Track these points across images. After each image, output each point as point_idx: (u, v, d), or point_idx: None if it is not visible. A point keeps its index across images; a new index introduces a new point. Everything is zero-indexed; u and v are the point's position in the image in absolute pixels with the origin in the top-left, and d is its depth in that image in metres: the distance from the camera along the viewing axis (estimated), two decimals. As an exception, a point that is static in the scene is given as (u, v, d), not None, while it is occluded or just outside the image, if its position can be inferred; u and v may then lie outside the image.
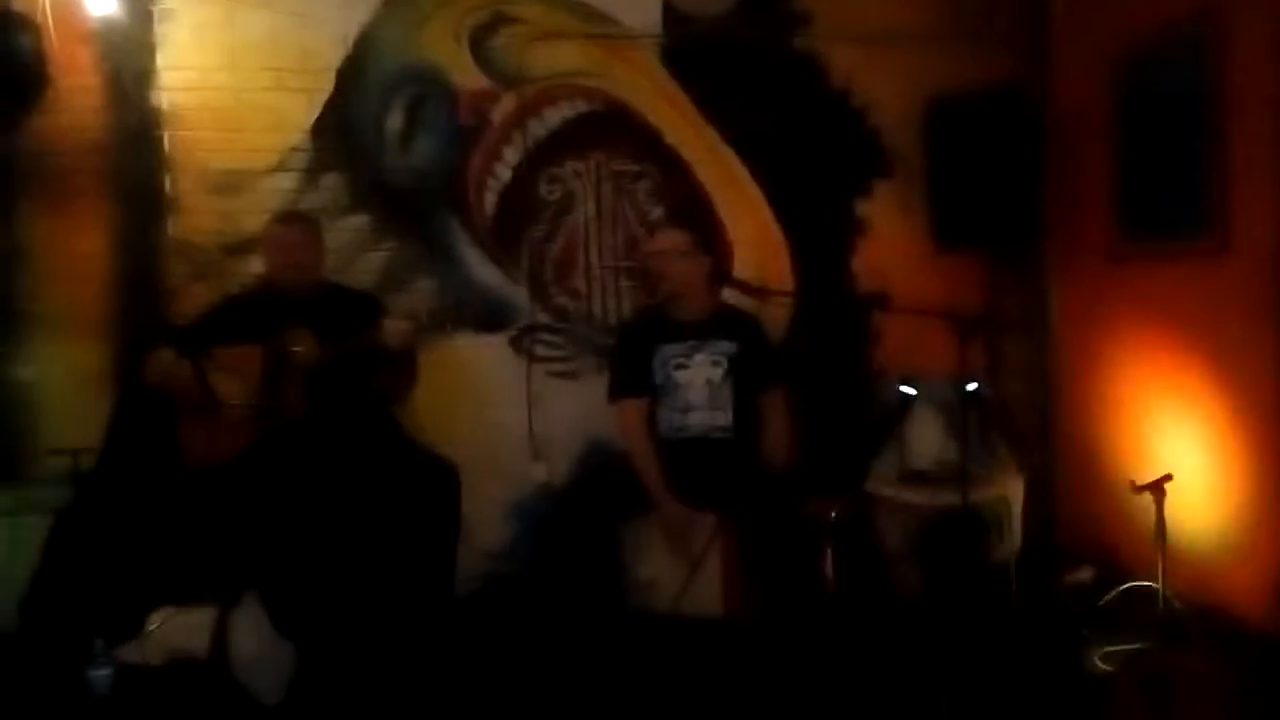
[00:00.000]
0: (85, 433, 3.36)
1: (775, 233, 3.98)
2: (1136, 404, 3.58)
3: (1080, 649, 3.03)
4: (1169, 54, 3.33)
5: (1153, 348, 3.51)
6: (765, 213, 3.97)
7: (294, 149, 3.74)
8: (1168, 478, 3.10)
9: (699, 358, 3.34)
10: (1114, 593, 3.26)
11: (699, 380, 3.33)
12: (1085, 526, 3.82)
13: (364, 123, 3.79)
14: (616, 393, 3.40)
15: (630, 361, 3.39)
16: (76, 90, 3.60)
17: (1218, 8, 3.10)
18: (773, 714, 2.74)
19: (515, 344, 3.88)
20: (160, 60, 3.67)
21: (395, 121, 3.80)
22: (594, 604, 3.14)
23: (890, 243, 4.01)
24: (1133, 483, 3.17)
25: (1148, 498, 3.11)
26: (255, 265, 3.54)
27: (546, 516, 3.78)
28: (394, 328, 3.07)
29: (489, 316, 3.78)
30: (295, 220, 3.39)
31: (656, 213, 3.91)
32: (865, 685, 2.87)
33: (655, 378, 3.34)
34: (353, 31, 3.75)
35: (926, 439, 3.50)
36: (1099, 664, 2.98)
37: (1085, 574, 3.45)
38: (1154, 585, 3.08)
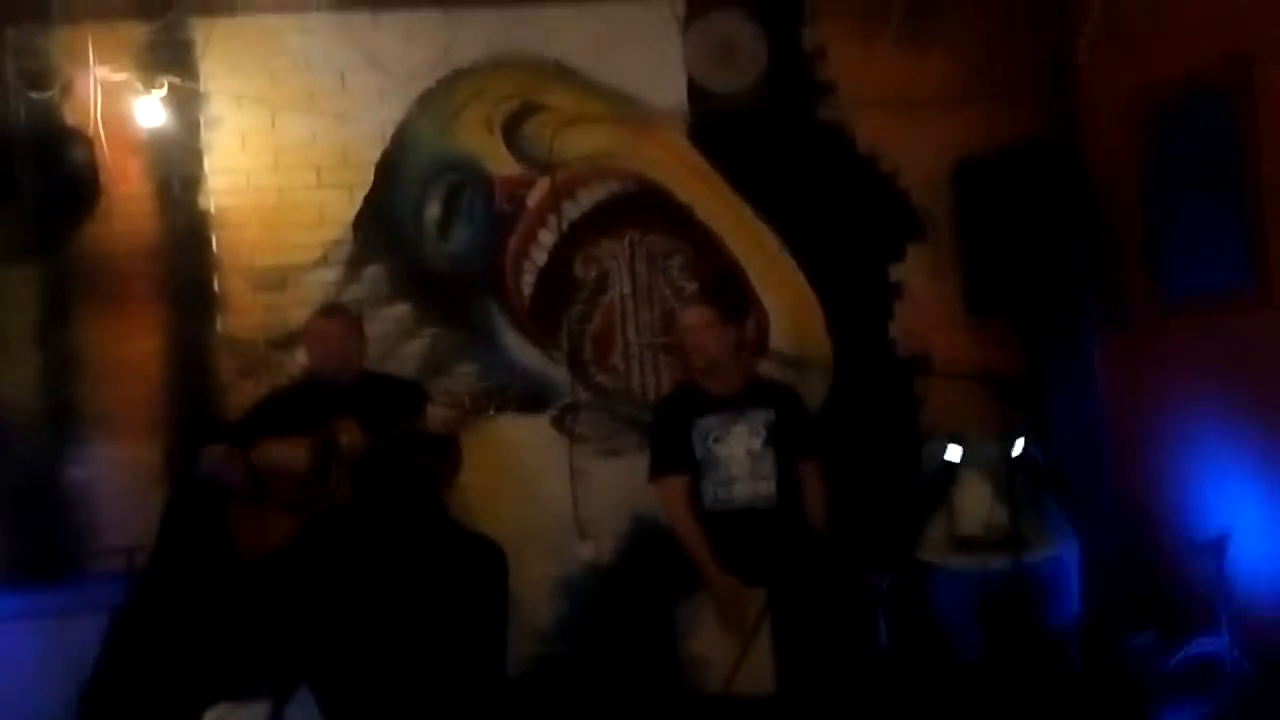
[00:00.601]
0: (139, 531, 3.43)
1: (810, 301, 3.99)
2: (1190, 460, 3.51)
3: (1147, 715, 2.95)
4: (1197, 103, 3.33)
5: (1206, 401, 3.45)
6: (800, 282, 3.99)
7: (336, 242, 3.85)
8: (1227, 535, 3.02)
9: (738, 429, 3.34)
10: (1178, 655, 3.16)
11: (739, 452, 3.33)
12: (1147, 587, 3.72)
13: (403, 214, 3.89)
14: (658, 470, 3.40)
15: (669, 437, 3.40)
16: (129, 198, 3.74)
17: (1243, 56, 3.10)
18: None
19: (557, 424, 3.92)
20: (208, 165, 3.81)
21: (433, 211, 3.90)
22: (647, 683, 3.11)
23: (927, 306, 4.01)
24: (1193, 541, 3.09)
25: (1209, 556, 3.04)
26: (301, 358, 3.63)
27: (596, 596, 3.76)
28: (438, 414, 3.12)
29: (531, 397, 3.81)
30: (335, 313, 3.47)
31: (691, 288, 3.95)
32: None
33: (696, 452, 3.35)
34: (390, 128, 3.87)
35: (975, 503, 3.45)
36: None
37: (1148, 636, 3.35)
38: (1218, 646, 2.99)
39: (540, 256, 3.93)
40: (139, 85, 3.67)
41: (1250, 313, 3.17)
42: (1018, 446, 3.43)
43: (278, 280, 3.82)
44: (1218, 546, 3.03)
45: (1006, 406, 3.40)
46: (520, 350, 3.92)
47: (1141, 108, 3.61)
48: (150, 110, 3.68)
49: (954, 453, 3.56)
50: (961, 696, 3.18)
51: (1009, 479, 3.35)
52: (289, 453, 3.14)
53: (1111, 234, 3.82)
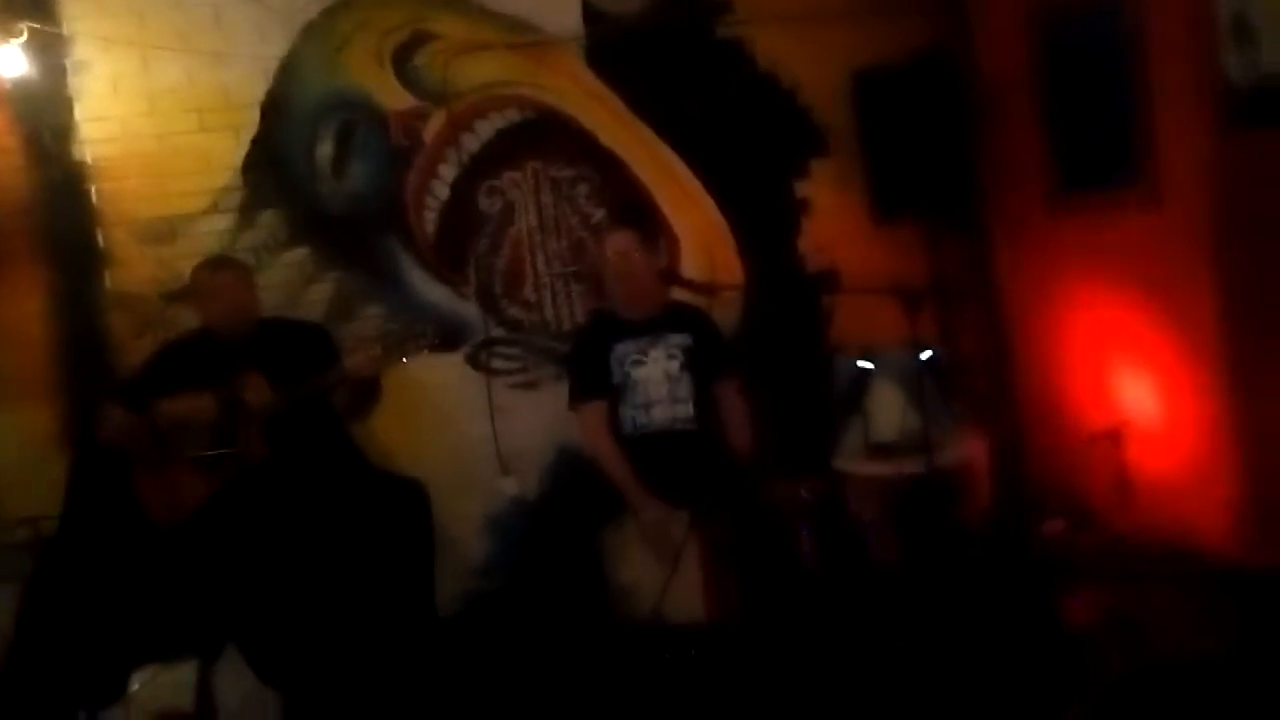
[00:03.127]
0: (43, 499, 3.31)
1: (719, 223, 3.98)
2: (1089, 355, 3.64)
3: (1057, 599, 3.09)
4: (1089, 8, 3.37)
5: (1099, 299, 3.56)
6: (707, 204, 3.98)
7: (225, 189, 3.70)
8: (1123, 425, 3.15)
9: (655, 353, 3.35)
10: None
11: (657, 375, 3.34)
12: (1053, 479, 3.88)
13: (294, 155, 3.75)
14: (577, 397, 3.41)
15: (587, 365, 3.39)
16: (-6, 153, 3.54)
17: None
18: (768, 707, 2.76)
19: (472, 360, 3.87)
20: (78, 113, 3.61)
21: (326, 150, 3.77)
22: (578, 614, 3.15)
23: (833, 220, 4.03)
24: (1091, 433, 3.22)
25: (1109, 446, 3.17)
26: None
27: (523, 530, 3.77)
28: (359, 359, 3.05)
29: (443, 336, 3.74)
30: (223, 265, 3.36)
31: (598, 215, 3.91)
32: (853, 659, 2.90)
33: (614, 377, 3.35)
34: (272, 64, 3.71)
35: (888, 411, 3.52)
36: (1075, 612, 3.04)
37: (1057, 526, 3.50)
38: (1120, 530, 3.14)
39: (441, 191, 3.84)
40: (-4, 36, 3.44)
41: (1141, 211, 3.26)
42: (925, 354, 3.51)
43: (166, 231, 3.67)
44: (1115, 435, 3.15)
45: (913, 315, 3.45)
46: (428, 288, 3.85)
47: (1035, 13, 3.64)
48: (11, 59, 3.45)
49: (865, 364, 3.62)
50: (883, 598, 3.29)
51: (919, 385, 3.44)
52: (192, 409, 3.04)
53: (1008, 140, 3.88)
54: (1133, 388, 3.39)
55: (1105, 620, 2.96)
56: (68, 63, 3.60)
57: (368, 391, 3.21)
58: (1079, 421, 3.54)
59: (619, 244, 3.41)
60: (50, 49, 3.55)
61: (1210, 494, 3.15)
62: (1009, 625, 3.00)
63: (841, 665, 2.89)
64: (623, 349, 3.35)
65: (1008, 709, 2.59)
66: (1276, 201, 2.81)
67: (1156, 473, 3.28)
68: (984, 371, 4.05)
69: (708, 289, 3.68)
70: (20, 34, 3.44)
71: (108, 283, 3.64)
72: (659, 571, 3.12)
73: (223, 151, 3.71)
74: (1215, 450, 3.12)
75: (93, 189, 3.63)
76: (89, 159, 3.62)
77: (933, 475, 3.30)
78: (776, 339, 3.97)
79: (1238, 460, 3.05)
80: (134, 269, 3.65)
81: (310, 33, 3.74)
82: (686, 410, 3.34)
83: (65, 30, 3.58)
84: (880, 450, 3.49)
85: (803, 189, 4.05)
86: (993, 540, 3.38)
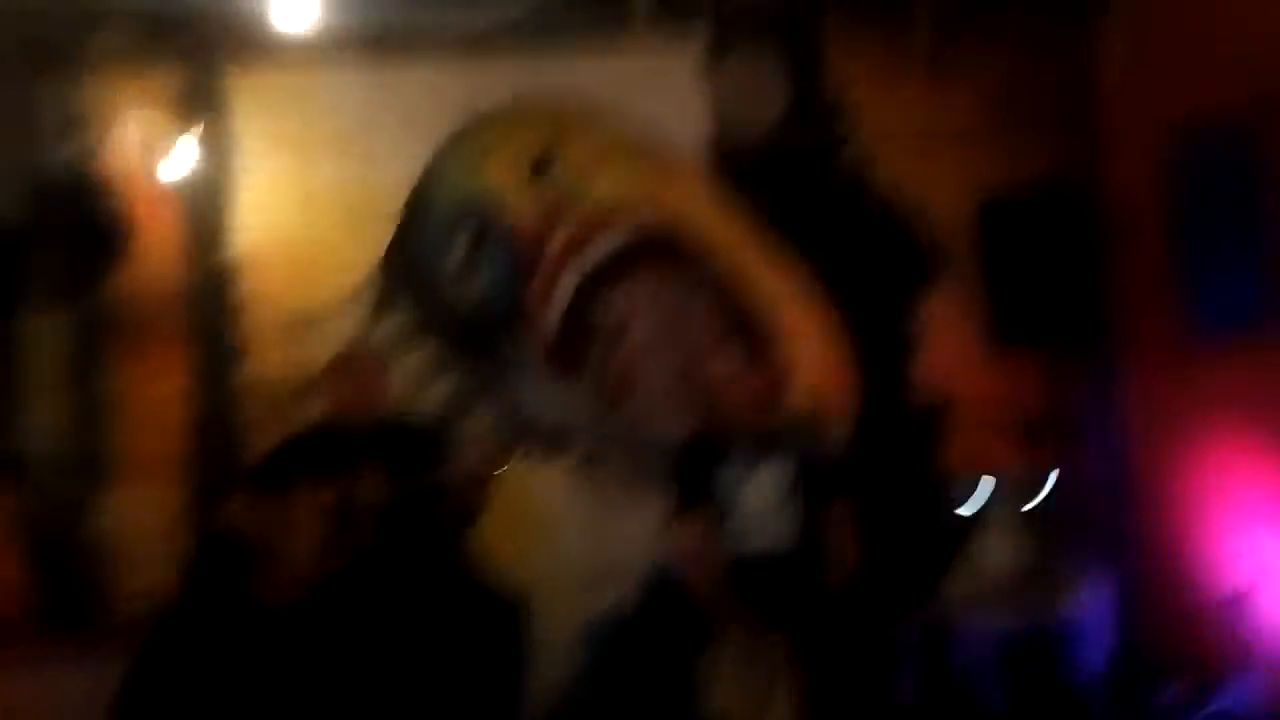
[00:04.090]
0: (165, 576, 3.46)
1: (833, 344, 3.96)
2: (1220, 505, 3.45)
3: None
4: (1221, 139, 3.30)
5: (1233, 445, 3.39)
6: (822, 324, 3.97)
7: (360, 288, 3.88)
8: (1256, 583, 2.97)
9: (760, 476, 3.33)
10: (1206, 710, 3.10)
11: (760, 499, 3.31)
12: (1175, 638, 3.65)
13: (427, 258, 3.92)
14: (678, 514, 3.39)
15: (691, 483, 3.39)
16: (157, 244, 3.79)
17: (1269, 95, 3.06)
18: None
19: (580, 468, 3.91)
20: (236, 210, 3.86)
21: (456, 255, 3.91)
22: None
23: (951, 344, 3.96)
24: (1219, 589, 3.04)
25: (1236, 609, 2.98)
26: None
27: (618, 643, 3.74)
28: (464, 461, 3.12)
29: (553, 440, 3.81)
30: (356, 356, 3.50)
31: (713, 330, 3.94)
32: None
33: (717, 499, 3.33)
34: (415, 172, 3.91)
35: (1000, 550, 3.41)
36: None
37: (1180, 688, 3.29)
38: (1246, 700, 2.94)
39: (562, 300, 3.93)
40: (170, 131, 3.72)
41: (1276, 347, 3.12)
42: (1044, 489, 3.40)
43: (303, 324, 3.84)
44: (1246, 597, 2.97)
45: (1034, 447, 3.36)
46: (543, 394, 3.93)
47: (1166, 142, 3.57)
48: (182, 157, 3.73)
49: (979, 497, 3.52)
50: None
51: (1034, 525, 3.32)
52: (310, 500, 3.15)
53: (1136, 270, 3.78)
54: (1267, 543, 3.19)
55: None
56: (234, 159, 3.86)
57: (474, 497, 3.26)
58: (1206, 577, 3.34)
59: (718, 369, 3.40)
60: (218, 149, 3.82)
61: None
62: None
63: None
64: (727, 471, 3.34)
65: None
66: None
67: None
68: (1106, 514, 3.87)
69: (818, 408, 3.64)
70: (192, 133, 3.71)
71: (244, 373, 3.84)
72: (753, 697, 3.05)
73: (361, 252, 3.90)
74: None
75: (241, 281, 3.85)
76: (239, 254, 3.85)
77: (1045, 623, 3.16)
78: (888, 467, 3.89)
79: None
80: (270, 361, 3.84)
81: (452, 144, 3.94)
82: (790, 536, 3.29)
83: (232, 132, 3.85)
84: (991, 593, 3.36)
85: (922, 313, 4.00)
86: (1107, 701, 3.20)
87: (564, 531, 3.88)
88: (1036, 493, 3.36)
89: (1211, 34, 3.35)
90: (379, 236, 3.91)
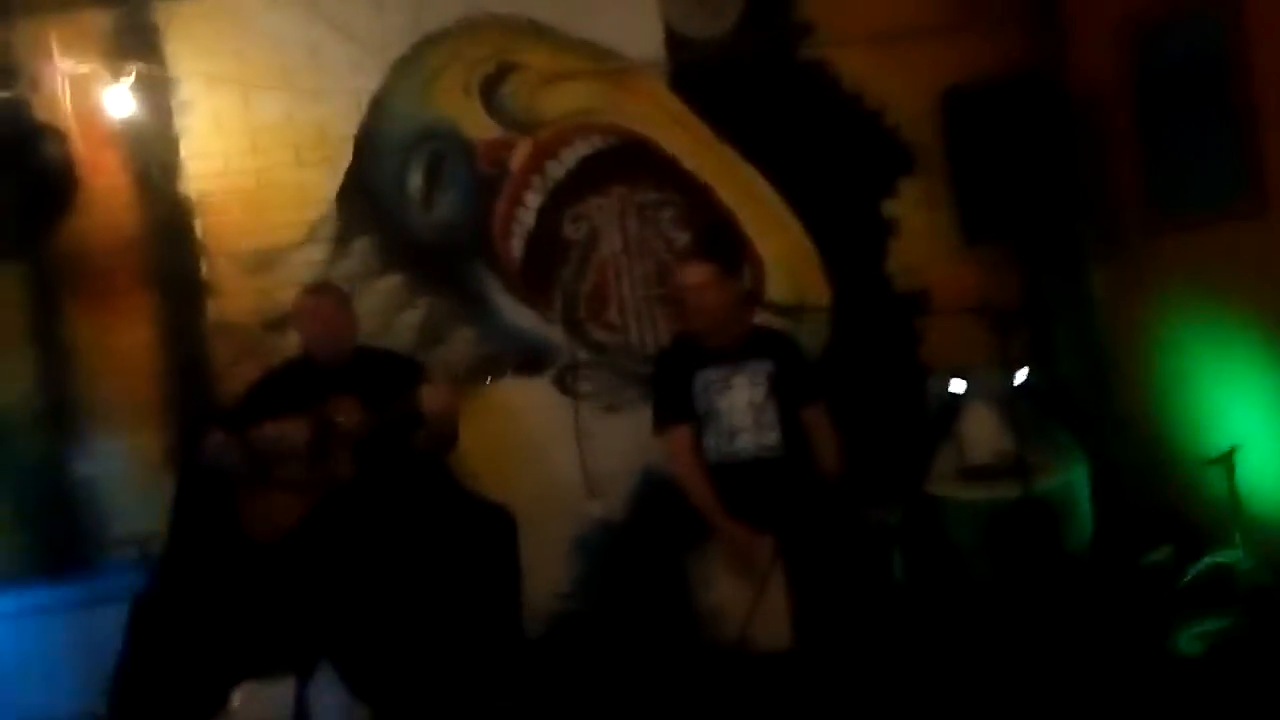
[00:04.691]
0: (149, 519, 3.44)
1: (805, 244, 3.95)
2: (1195, 375, 3.49)
3: (1166, 632, 2.96)
4: (1185, 21, 3.27)
5: (1203, 317, 3.42)
6: (793, 226, 3.95)
7: (321, 220, 3.82)
8: (1235, 448, 3.01)
9: (738, 380, 3.32)
10: (1193, 571, 3.16)
11: (741, 403, 3.31)
12: (1160, 504, 3.72)
13: (386, 186, 3.85)
14: (660, 423, 3.40)
15: (670, 391, 3.38)
16: (106, 190, 3.71)
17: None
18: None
19: (558, 384, 3.90)
20: (184, 151, 3.77)
21: (416, 180, 3.86)
22: (663, 638, 3.13)
23: (922, 240, 3.96)
24: (1202, 458, 3.08)
25: (1220, 470, 3.03)
26: (295, 339, 3.59)
27: (609, 553, 3.77)
28: (432, 393, 3.09)
29: (528, 360, 3.79)
30: (323, 290, 3.45)
31: (683, 239, 3.91)
32: (944, 683, 2.82)
33: (697, 405, 3.34)
34: (365, 99, 3.82)
35: (981, 433, 3.44)
36: (1186, 646, 2.91)
37: (1163, 553, 3.35)
38: (1232, 559, 2.99)
39: (528, 218, 3.89)
40: (107, 75, 3.61)
41: (1245, 224, 3.13)
42: (1021, 374, 3.42)
43: (265, 262, 3.79)
44: (1226, 460, 3.01)
45: (1007, 335, 3.37)
46: (515, 313, 3.90)
47: (1129, 25, 3.54)
48: (120, 99, 3.62)
49: (957, 385, 3.54)
50: (979, 624, 3.19)
51: (1014, 407, 3.35)
52: (287, 433, 3.13)
53: (1104, 156, 3.77)
54: (1245, 408, 3.24)
55: (1214, 651, 2.83)
56: (173, 103, 3.76)
57: (446, 429, 3.24)
58: (1189, 444, 3.39)
59: (692, 277, 3.38)
60: (157, 90, 3.72)
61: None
62: (1114, 654, 2.89)
63: (934, 690, 2.81)
64: (705, 376, 3.34)
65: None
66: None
67: (1269, 496, 3.12)
68: (1086, 393, 3.92)
69: (793, 312, 3.64)
70: (129, 75, 3.61)
71: (210, 313, 3.78)
72: (744, 596, 3.08)
73: (319, 185, 3.82)
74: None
75: (197, 223, 3.78)
76: (193, 194, 3.78)
77: (1032, 500, 3.20)
78: (866, 362, 3.90)
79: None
80: (235, 299, 3.79)
81: (401, 68, 3.84)
82: (772, 437, 3.30)
83: (171, 72, 3.74)
84: (974, 473, 3.40)
85: (890, 209, 3.98)
86: (1096, 567, 3.26)
87: (548, 448, 3.87)
88: (1012, 378, 3.36)
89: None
90: (333, 170, 3.83)
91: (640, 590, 3.19)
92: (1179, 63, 3.33)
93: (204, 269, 3.79)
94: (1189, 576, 3.14)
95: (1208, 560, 3.11)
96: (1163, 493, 3.68)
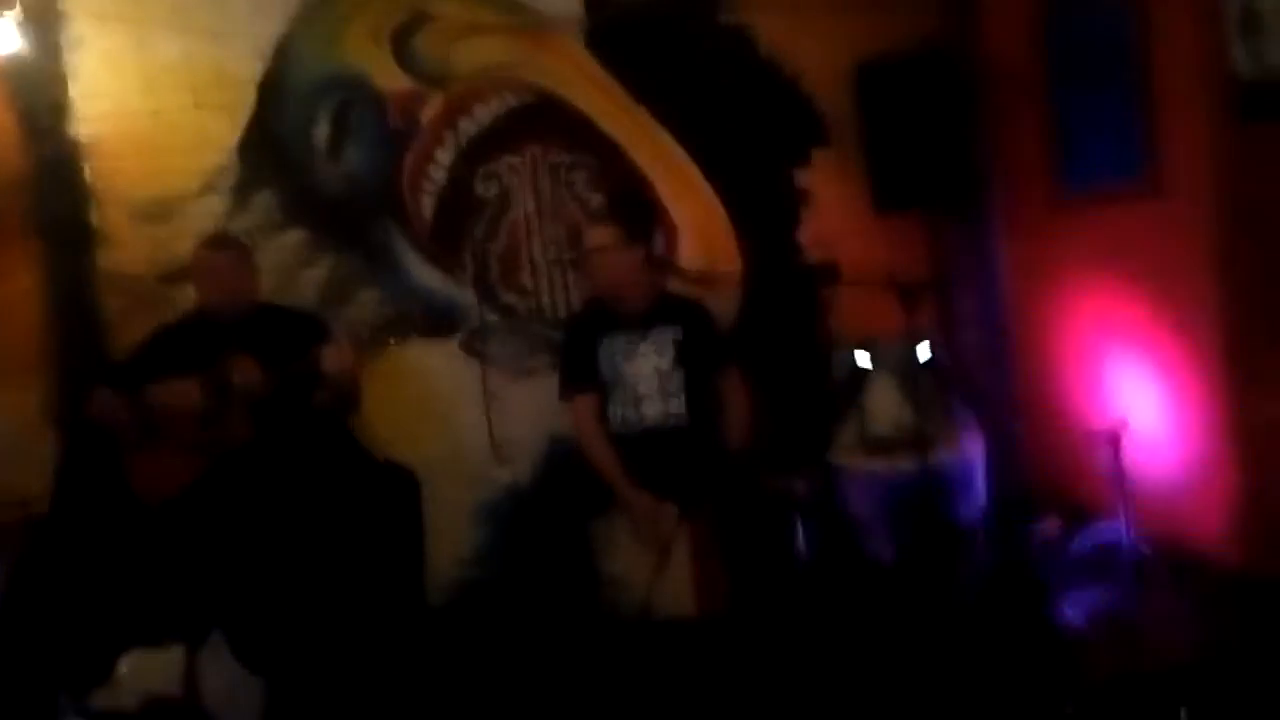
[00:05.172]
0: (32, 479, 3.30)
1: (718, 211, 3.94)
2: (1089, 351, 3.60)
3: (1051, 600, 3.07)
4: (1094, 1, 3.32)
5: (1100, 294, 3.53)
6: (706, 192, 3.93)
7: (220, 168, 3.66)
8: (1123, 423, 3.12)
9: (645, 347, 3.31)
10: (1080, 543, 3.29)
11: (647, 370, 3.30)
12: (1051, 478, 3.85)
13: (290, 136, 3.70)
14: (566, 389, 3.38)
15: (576, 357, 3.37)
16: (-11, 129, 3.51)
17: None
18: (757, 700, 2.74)
19: (467, 346, 3.83)
20: (73, 91, 3.56)
21: (322, 131, 3.72)
22: (568, 605, 3.13)
23: (833, 210, 3.99)
24: (1090, 430, 3.19)
25: (1107, 445, 3.13)
26: (192, 293, 3.45)
27: (514, 519, 3.75)
28: (332, 353, 3.02)
29: (437, 321, 3.71)
30: (223, 244, 3.32)
31: (597, 201, 3.86)
32: (843, 655, 2.88)
33: (604, 371, 3.32)
34: (269, 44, 3.66)
35: (885, 405, 3.49)
36: (1070, 613, 3.02)
37: (1053, 525, 3.47)
38: (1117, 532, 3.11)
39: (439, 175, 3.79)
40: (-12, 12, 3.40)
41: (1145, 203, 3.22)
42: (924, 348, 3.48)
43: (160, 211, 3.61)
44: (1114, 435, 3.12)
45: (912, 309, 3.42)
46: (424, 273, 3.80)
47: (1039, 8, 3.60)
48: (4, 34, 3.41)
49: (863, 357, 3.59)
50: (876, 594, 3.26)
51: (916, 380, 3.41)
52: (180, 392, 3.02)
53: (1012, 131, 3.84)
54: (1133, 385, 3.35)
55: (1098, 621, 2.94)
56: (63, 39, 3.54)
57: (347, 389, 3.16)
58: (1078, 419, 3.50)
59: (596, 240, 3.36)
60: (45, 24, 3.51)
61: (1209, 495, 3.12)
62: (1002, 623, 2.98)
63: (831, 660, 2.86)
64: (611, 343, 3.32)
65: (999, 708, 2.57)
66: (1280, 194, 2.77)
67: (1155, 472, 3.24)
68: (982, 367, 4.01)
69: (703, 278, 3.63)
70: (13, 8, 3.40)
71: (101, 262, 3.60)
72: (649, 565, 3.09)
73: (218, 131, 3.65)
74: (1216, 450, 3.08)
75: (87, 167, 3.58)
76: (83, 137, 3.58)
77: (929, 471, 3.27)
78: (774, 331, 3.93)
79: (1238, 461, 3.01)
80: (128, 249, 3.61)
81: (308, 12, 3.68)
82: (678, 406, 3.30)
83: (60, 6, 3.53)
84: (876, 445, 3.46)
85: (803, 179, 4.00)
86: (988, 538, 3.36)
87: (454, 412, 3.81)
88: (916, 351, 3.42)
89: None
90: (231, 115, 3.66)
91: (544, 557, 3.18)
92: (1086, 43, 3.40)
93: (94, 216, 3.61)
94: (1076, 548, 3.27)
95: (1094, 533, 3.24)
96: (1054, 468, 3.81)
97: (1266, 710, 2.37)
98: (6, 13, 3.41)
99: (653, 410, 3.30)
